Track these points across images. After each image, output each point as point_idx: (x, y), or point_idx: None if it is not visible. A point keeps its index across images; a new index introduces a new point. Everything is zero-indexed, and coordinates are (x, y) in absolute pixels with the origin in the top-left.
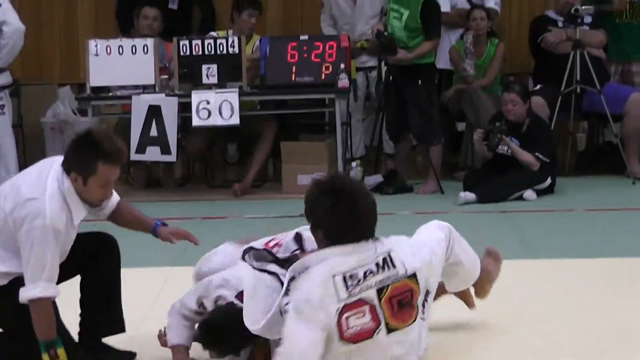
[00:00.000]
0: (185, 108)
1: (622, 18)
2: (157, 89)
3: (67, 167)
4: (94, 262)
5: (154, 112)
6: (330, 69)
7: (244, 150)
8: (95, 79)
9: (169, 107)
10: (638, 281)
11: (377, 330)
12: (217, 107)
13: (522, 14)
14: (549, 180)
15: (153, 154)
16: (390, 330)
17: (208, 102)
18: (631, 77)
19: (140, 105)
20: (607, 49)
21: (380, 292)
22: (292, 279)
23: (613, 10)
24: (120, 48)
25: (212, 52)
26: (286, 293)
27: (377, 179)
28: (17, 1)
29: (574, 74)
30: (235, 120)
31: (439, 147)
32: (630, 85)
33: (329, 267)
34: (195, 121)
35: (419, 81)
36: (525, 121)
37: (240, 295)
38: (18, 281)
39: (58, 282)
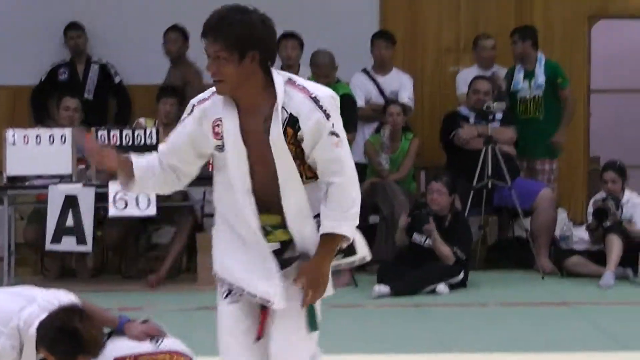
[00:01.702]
0: (102, 198)
1: (527, 114)
2: (74, 178)
3: (40, 341)
4: None
5: (71, 202)
6: None
7: (157, 241)
8: (12, 168)
9: (86, 197)
10: None
11: None
12: (134, 197)
13: (434, 109)
14: (461, 274)
15: (69, 244)
16: None
17: (125, 193)
18: (537, 174)
19: (56, 195)
20: (517, 144)
21: None
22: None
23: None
24: (38, 137)
25: (130, 142)
26: (328, 116)
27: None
28: None
29: (486, 169)
30: (152, 211)
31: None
32: (542, 176)
33: None
34: (112, 211)
35: None
36: (447, 215)
37: None
38: None
39: None
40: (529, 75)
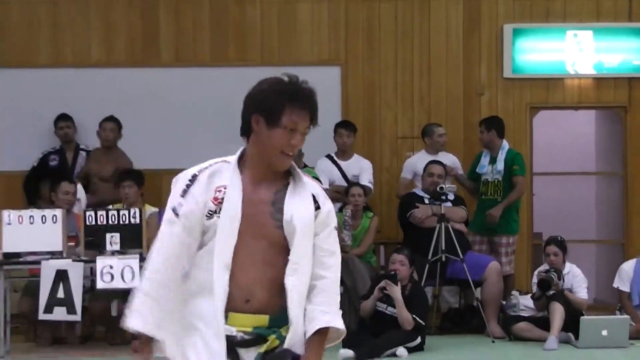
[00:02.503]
0: (90, 272)
1: (487, 195)
2: (64, 254)
3: None
4: None
5: (62, 275)
6: None
7: None
8: (8, 245)
9: (75, 271)
10: None
11: None
12: (120, 271)
13: (391, 190)
14: (419, 339)
15: (60, 313)
16: None
17: (111, 267)
18: (498, 248)
19: (48, 269)
20: (467, 222)
21: None
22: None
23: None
24: (31, 217)
25: (115, 222)
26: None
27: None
28: None
29: (439, 245)
30: (136, 283)
31: None
32: (496, 255)
33: None
34: (100, 284)
35: None
36: (408, 285)
37: None
38: None
39: None
40: (493, 160)
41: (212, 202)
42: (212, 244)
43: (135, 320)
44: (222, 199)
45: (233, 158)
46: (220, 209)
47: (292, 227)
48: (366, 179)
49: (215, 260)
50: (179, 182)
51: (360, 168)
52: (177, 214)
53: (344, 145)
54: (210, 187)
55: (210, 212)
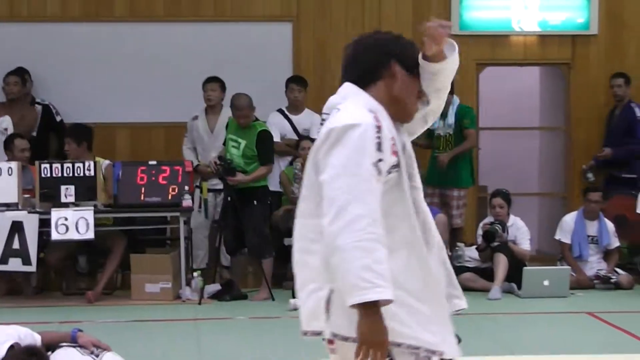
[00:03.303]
0: (45, 224)
1: (440, 149)
2: (20, 206)
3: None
4: None
5: (17, 227)
6: (176, 190)
7: (94, 261)
8: None
9: (30, 222)
10: None
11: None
12: (74, 223)
13: None
14: None
15: (15, 264)
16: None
17: (66, 219)
18: (449, 200)
19: (4, 220)
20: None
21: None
22: None
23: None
24: None
25: (70, 174)
26: None
27: (215, 287)
28: None
29: None
30: (90, 235)
31: (270, 260)
32: (448, 207)
33: None
34: (54, 235)
35: (255, 202)
36: None
37: None
38: None
39: None
40: (444, 115)
41: (393, 155)
42: (394, 197)
43: (386, 290)
44: (396, 151)
45: (371, 105)
46: (399, 162)
47: None
48: (316, 133)
49: (412, 215)
50: (364, 135)
51: (311, 122)
52: (379, 170)
53: (296, 100)
54: (387, 138)
55: (394, 166)
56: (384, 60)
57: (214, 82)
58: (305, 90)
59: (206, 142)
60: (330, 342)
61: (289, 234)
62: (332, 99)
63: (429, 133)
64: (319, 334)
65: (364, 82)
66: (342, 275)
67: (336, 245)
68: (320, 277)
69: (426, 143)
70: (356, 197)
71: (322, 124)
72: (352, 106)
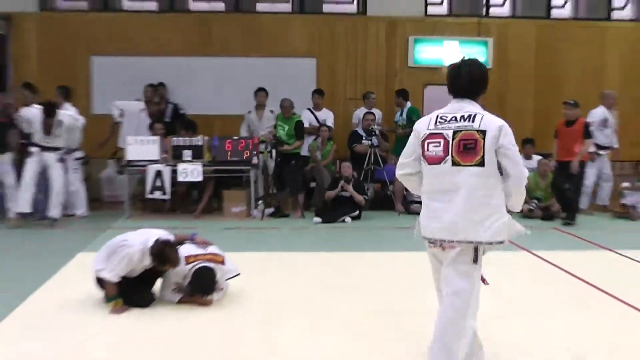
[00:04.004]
0: (174, 172)
1: (399, 131)
2: (160, 161)
3: (151, 255)
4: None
5: (159, 174)
6: (249, 154)
7: (199, 194)
8: (130, 155)
9: (166, 171)
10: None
11: (445, 160)
12: (191, 171)
13: (344, 130)
14: (358, 212)
15: (158, 195)
16: (454, 163)
17: (186, 169)
18: None
19: (151, 170)
20: (390, 149)
21: (455, 133)
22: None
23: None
24: (142, 140)
25: (188, 144)
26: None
27: (270, 210)
28: None
29: (370, 160)
30: (200, 178)
31: (302, 195)
32: None
33: (439, 110)
34: (180, 178)
35: (293, 161)
36: (352, 179)
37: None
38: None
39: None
40: (402, 113)
41: None
42: None
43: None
44: None
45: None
46: None
47: None
48: (329, 122)
49: None
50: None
51: (327, 116)
52: None
53: (317, 103)
54: None
55: None
56: (486, 85)
57: (262, 91)
58: (323, 97)
59: (256, 126)
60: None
61: (313, 180)
62: (468, 107)
63: (395, 124)
64: (501, 242)
65: (477, 95)
66: (522, 193)
67: (523, 177)
68: (500, 210)
69: (393, 129)
70: (519, 158)
71: (460, 117)
72: (487, 113)
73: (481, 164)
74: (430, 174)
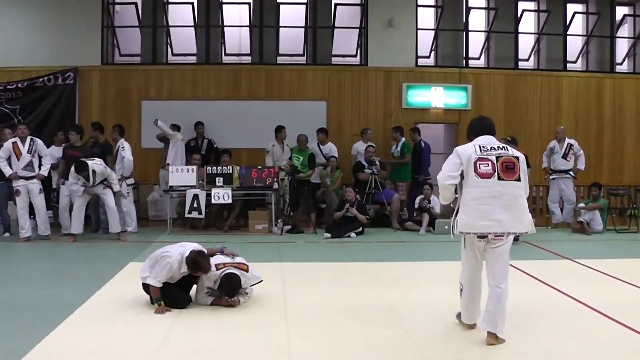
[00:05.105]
0: (208, 195)
1: (394, 162)
2: (197, 187)
3: (186, 263)
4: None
5: (195, 197)
6: (270, 180)
7: (229, 213)
8: (172, 182)
9: (202, 195)
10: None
11: (493, 175)
12: (222, 195)
13: (348, 160)
14: (361, 228)
15: (194, 214)
16: (499, 178)
17: (219, 193)
18: (398, 188)
19: (190, 194)
20: (387, 176)
21: (497, 158)
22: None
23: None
24: (182, 169)
25: (221, 172)
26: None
27: (287, 227)
28: None
29: (371, 185)
30: (229, 201)
31: (314, 215)
32: (398, 190)
33: (476, 142)
34: (213, 200)
35: (306, 187)
36: (355, 202)
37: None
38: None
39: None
40: (397, 146)
41: None
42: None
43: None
44: None
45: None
46: None
47: None
48: (333, 153)
49: None
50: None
51: (331, 149)
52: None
53: (322, 139)
54: None
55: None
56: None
57: (284, 129)
58: (327, 134)
59: (278, 156)
60: (500, 236)
61: (323, 202)
62: (495, 141)
63: (390, 155)
64: (522, 233)
65: (494, 134)
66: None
67: (527, 192)
68: (525, 208)
69: (387, 161)
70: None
71: (497, 147)
72: (510, 146)
73: (518, 179)
74: (481, 185)
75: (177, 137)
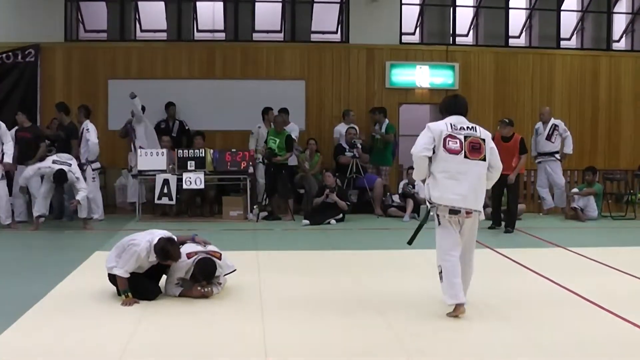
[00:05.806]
0: (179, 180)
1: (377, 145)
2: (167, 171)
3: (154, 251)
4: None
5: (166, 182)
6: (245, 164)
7: (202, 199)
8: (141, 166)
9: (173, 179)
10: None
11: (460, 152)
12: (195, 180)
13: (330, 143)
14: (342, 215)
15: (165, 200)
16: (466, 156)
17: (190, 178)
18: (381, 172)
19: (159, 178)
20: (369, 160)
21: (465, 137)
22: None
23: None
24: (152, 152)
25: (192, 155)
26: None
27: (264, 214)
28: None
29: (352, 169)
30: (202, 186)
31: (291, 200)
32: (380, 175)
33: (447, 120)
34: (185, 186)
35: (283, 170)
36: (335, 187)
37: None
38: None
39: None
40: (380, 128)
41: None
42: None
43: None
44: None
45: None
46: None
47: None
48: (294, 134)
49: None
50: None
51: (292, 129)
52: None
53: (276, 122)
54: None
55: None
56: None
57: (272, 110)
58: (287, 114)
59: (263, 139)
60: (470, 212)
61: (302, 188)
62: (466, 121)
63: (373, 137)
64: (476, 210)
65: (466, 114)
66: (495, 179)
67: (499, 169)
68: (484, 190)
69: (370, 143)
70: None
71: (466, 127)
72: (478, 125)
73: (483, 159)
74: (448, 160)
75: (146, 123)
